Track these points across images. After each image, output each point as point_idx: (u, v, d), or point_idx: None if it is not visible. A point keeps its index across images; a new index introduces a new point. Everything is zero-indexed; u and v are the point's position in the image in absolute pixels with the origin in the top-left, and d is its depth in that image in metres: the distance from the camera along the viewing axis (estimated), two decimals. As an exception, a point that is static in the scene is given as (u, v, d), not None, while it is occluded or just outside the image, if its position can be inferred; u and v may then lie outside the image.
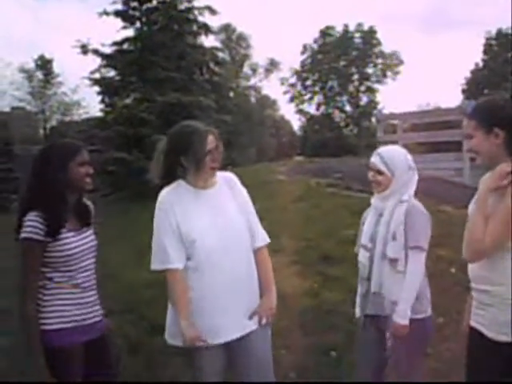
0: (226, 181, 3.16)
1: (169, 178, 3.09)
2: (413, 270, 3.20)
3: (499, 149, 2.55)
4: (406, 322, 3.14)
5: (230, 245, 2.99)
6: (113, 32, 17.77)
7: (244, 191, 3.21)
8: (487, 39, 47.52)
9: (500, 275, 2.49)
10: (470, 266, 2.64)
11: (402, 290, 3.17)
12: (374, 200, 3.43)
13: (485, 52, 47.58)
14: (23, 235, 2.76)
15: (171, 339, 3.08)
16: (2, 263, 6.81)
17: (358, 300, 3.46)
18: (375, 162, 3.32)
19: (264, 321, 3.04)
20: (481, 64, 47.73)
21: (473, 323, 2.66)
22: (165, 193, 3.07)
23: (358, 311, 3.45)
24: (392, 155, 3.33)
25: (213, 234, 2.98)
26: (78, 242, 2.88)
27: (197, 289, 2.95)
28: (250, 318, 3.02)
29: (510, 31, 46.15)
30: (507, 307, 2.47)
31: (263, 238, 3.18)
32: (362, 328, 3.40)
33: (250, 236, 3.11)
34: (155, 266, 3.00)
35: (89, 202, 3.10)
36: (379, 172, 3.30)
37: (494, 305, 2.53)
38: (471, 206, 2.66)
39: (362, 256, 3.36)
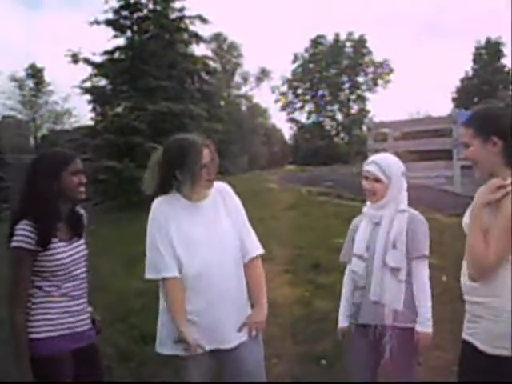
0: (219, 191, 3.15)
1: (163, 189, 3.07)
2: (423, 279, 3.25)
3: (497, 157, 2.51)
4: (431, 330, 3.21)
5: (222, 261, 2.99)
6: (104, 41, 17.70)
7: (237, 201, 3.20)
8: (477, 48, 47.81)
9: (496, 287, 2.43)
10: (463, 278, 2.58)
11: (420, 300, 3.22)
12: (367, 209, 3.41)
13: (474, 61, 47.86)
14: (14, 244, 2.75)
15: (161, 348, 3.06)
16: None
17: (344, 309, 3.46)
18: (372, 171, 3.30)
19: (254, 333, 3.04)
20: (470, 73, 48.01)
21: (465, 336, 2.60)
22: (158, 202, 3.06)
23: (343, 320, 3.45)
24: (388, 163, 3.33)
25: (205, 249, 2.97)
26: (68, 253, 2.87)
27: (186, 300, 2.95)
28: (240, 330, 3.01)
29: (499, 40, 46.55)
30: (503, 320, 2.41)
31: (257, 249, 3.15)
32: (354, 337, 3.38)
33: (243, 248, 3.10)
34: (151, 275, 2.98)
35: (82, 211, 3.08)
36: (377, 180, 3.29)
37: (487, 317, 2.47)
38: (465, 220, 2.61)
39: (356, 266, 3.34)
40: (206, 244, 2.98)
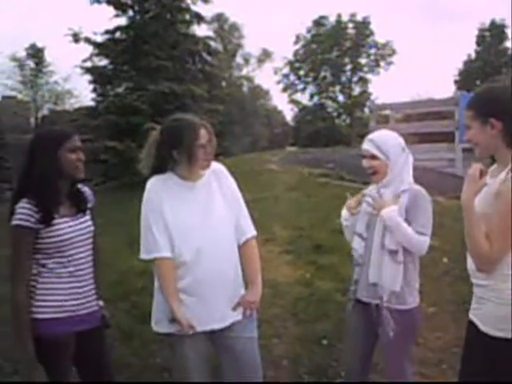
0: (214, 172, 3.15)
1: (159, 169, 3.07)
2: (417, 241, 3.15)
3: (496, 140, 2.49)
4: (391, 214, 3.16)
5: (216, 242, 3.00)
6: (105, 20, 17.57)
7: (233, 182, 3.20)
8: (480, 30, 47.51)
9: (500, 270, 2.44)
10: (469, 261, 2.58)
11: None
12: (369, 190, 3.40)
13: (478, 43, 47.58)
14: (14, 222, 2.76)
15: (157, 326, 3.08)
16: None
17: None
18: (368, 148, 3.28)
19: (248, 312, 3.05)
20: (474, 55, 47.75)
21: (471, 316, 2.62)
22: (153, 182, 3.06)
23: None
24: (383, 139, 3.30)
25: (199, 231, 2.98)
26: (72, 228, 2.87)
27: (179, 281, 2.96)
28: (234, 309, 3.03)
29: (502, 22, 46.24)
30: (506, 302, 2.42)
31: (251, 231, 3.18)
32: (353, 313, 3.39)
33: (238, 229, 3.12)
34: (144, 255, 3.00)
35: (86, 188, 3.08)
36: (373, 157, 3.27)
37: (491, 299, 2.49)
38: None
39: (357, 243, 3.35)
40: (200, 225, 2.99)
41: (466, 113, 2.59)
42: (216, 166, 3.19)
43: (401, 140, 3.35)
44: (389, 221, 3.16)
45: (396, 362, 3.27)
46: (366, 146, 3.31)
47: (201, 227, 2.98)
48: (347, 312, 3.44)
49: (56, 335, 2.79)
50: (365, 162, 3.32)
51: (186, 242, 2.96)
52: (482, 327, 2.52)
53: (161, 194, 3.00)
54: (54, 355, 2.79)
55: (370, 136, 3.35)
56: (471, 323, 2.61)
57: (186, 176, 3.05)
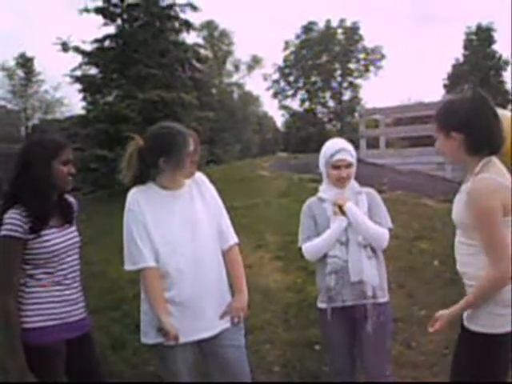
0: (195, 181, 3.16)
1: (140, 179, 3.07)
2: (381, 231, 3.37)
3: (459, 150, 2.61)
4: (349, 209, 3.35)
5: (200, 250, 3.00)
6: (94, 29, 17.54)
7: (213, 190, 3.22)
8: (467, 34, 47.74)
9: (483, 271, 2.54)
10: (458, 263, 2.72)
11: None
12: (325, 192, 3.49)
13: (465, 47, 47.81)
14: (2, 232, 2.75)
15: (145, 338, 3.08)
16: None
17: (324, 293, 3.42)
18: (345, 158, 3.40)
19: (236, 320, 3.06)
20: (461, 59, 47.97)
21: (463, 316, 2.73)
22: (133, 193, 3.06)
23: (324, 304, 3.43)
24: (350, 146, 3.48)
25: (183, 241, 2.98)
26: (60, 239, 2.87)
27: (165, 292, 2.96)
28: (221, 317, 3.04)
29: (490, 26, 46.50)
30: (488, 302, 2.54)
31: (233, 238, 3.19)
32: (334, 320, 3.39)
33: (220, 237, 3.13)
34: (129, 266, 3.00)
35: (71, 199, 3.09)
36: (349, 165, 3.42)
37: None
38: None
39: (339, 250, 3.36)
40: (183, 234, 2.99)
41: (433, 125, 2.71)
42: (196, 174, 3.20)
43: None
44: (354, 214, 3.32)
45: (377, 356, 3.36)
46: (343, 156, 3.40)
47: (184, 237, 2.99)
48: (328, 320, 3.41)
49: (46, 343, 2.79)
50: (342, 173, 3.41)
51: (171, 252, 2.95)
52: (467, 324, 2.64)
53: (142, 205, 3.00)
54: (44, 363, 2.79)
55: (340, 146, 3.44)
56: (461, 322, 2.70)
57: (167, 185, 3.05)
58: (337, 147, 3.41)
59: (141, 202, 3.01)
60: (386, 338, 3.41)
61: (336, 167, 3.39)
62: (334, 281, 3.34)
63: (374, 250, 3.37)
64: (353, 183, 3.48)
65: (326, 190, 3.50)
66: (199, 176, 3.21)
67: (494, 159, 2.60)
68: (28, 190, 2.82)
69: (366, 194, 3.47)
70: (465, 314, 2.67)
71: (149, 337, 3.03)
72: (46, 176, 2.84)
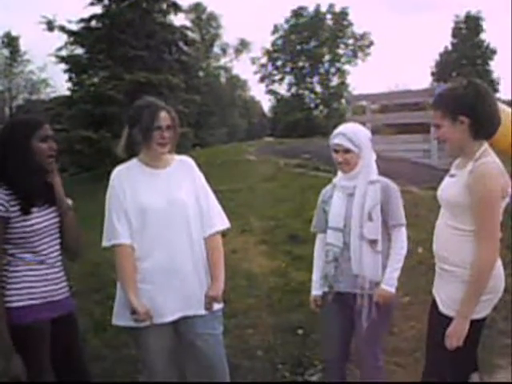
0: (183, 163, 3.16)
1: (129, 152, 3.09)
2: (402, 243, 3.32)
3: (465, 134, 2.71)
4: (393, 290, 3.25)
5: (175, 230, 2.98)
6: (80, 9, 17.29)
7: (201, 175, 3.20)
8: (456, 23, 47.81)
9: (464, 258, 2.66)
10: (435, 245, 2.85)
11: (393, 261, 3.27)
12: (339, 180, 3.43)
13: (454, 35, 47.89)
14: (-18, 212, 2.72)
15: (116, 319, 3.08)
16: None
17: (318, 278, 3.48)
18: (341, 143, 3.31)
19: (209, 306, 3.04)
20: (450, 47, 48.06)
21: (434, 292, 2.88)
22: (116, 170, 3.08)
23: (317, 288, 3.48)
24: (354, 131, 3.35)
25: (160, 218, 2.96)
26: (40, 219, 2.84)
27: (139, 268, 2.96)
28: (197, 303, 3.01)
29: (478, 15, 46.58)
30: (462, 287, 2.64)
31: (223, 224, 3.16)
32: (329, 305, 3.41)
33: (204, 221, 3.09)
34: (104, 242, 3.02)
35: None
36: (347, 151, 3.30)
37: (454, 284, 2.71)
38: (439, 192, 2.85)
39: (333, 238, 3.35)
40: (161, 212, 2.97)
41: (434, 113, 2.80)
42: (185, 158, 3.20)
43: (367, 132, 3.45)
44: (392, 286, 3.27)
45: (370, 349, 3.33)
46: (339, 140, 3.32)
47: (162, 213, 2.96)
48: (326, 304, 3.44)
49: (30, 323, 2.77)
50: (338, 157, 3.34)
51: (144, 226, 2.95)
52: (441, 307, 2.77)
53: (123, 181, 3.01)
54: (30, 343, 2.77)
55: (340, 129, 3.37)
56: (433, 299, 2.86)
57: (149, 162, 3.06)
58: (337, 131, 3.36)
59: (122, 178, 3.03)
60: (379, 332, 3.37)
61: (335, 151, 3.35)
62: (333, 268, 3.35)
63: (385, 243, 3.29)
64: (369, 171, 3.32)
65: (339, 176, 3.45)
66: (187, 159, 3.21)
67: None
68: (9, 169, 2.79)
69: (381, 185, 3.31)
70: (438, 299, 2.79)
71: (120, 318, 3.03)
72: (26, 154, 2.81)
